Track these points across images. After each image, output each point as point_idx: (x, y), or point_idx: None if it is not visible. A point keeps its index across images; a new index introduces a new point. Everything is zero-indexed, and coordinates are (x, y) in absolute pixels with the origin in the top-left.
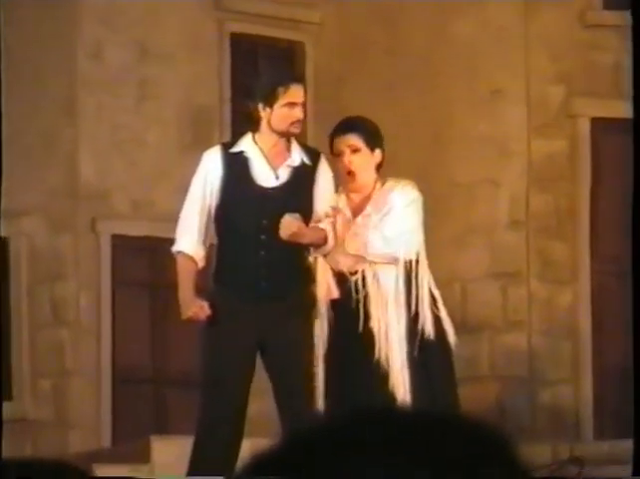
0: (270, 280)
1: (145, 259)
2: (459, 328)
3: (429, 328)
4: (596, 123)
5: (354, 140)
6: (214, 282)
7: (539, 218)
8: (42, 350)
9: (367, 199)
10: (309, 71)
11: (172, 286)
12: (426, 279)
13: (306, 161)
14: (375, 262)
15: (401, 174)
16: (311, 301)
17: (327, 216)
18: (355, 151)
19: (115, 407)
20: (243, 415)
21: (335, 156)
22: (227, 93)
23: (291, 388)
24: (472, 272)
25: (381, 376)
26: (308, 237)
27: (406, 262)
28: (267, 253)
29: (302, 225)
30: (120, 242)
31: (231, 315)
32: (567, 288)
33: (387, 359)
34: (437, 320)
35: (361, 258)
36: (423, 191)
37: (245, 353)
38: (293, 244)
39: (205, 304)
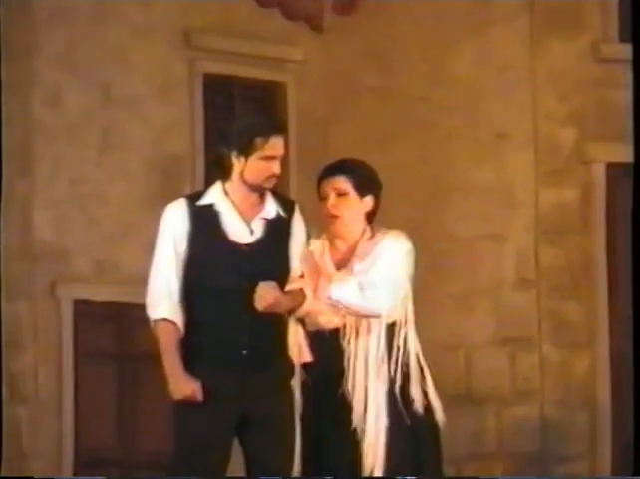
0: (253, 349)
1: (110, 328)
2: (463, 400)
3: (413, 400)
4: (612, 168)
5: (341, 182)
6: (188, 351)
7: (551, 275)
8: None
9: (352, 249)
10: (292, 115)
11: (141, 357)
12: (413, 344)
13: (282, 212)
14: (350, 315)
15: (394, 228)
16: (292, 370)
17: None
18: (341, 194)
19: None
20: None
21: (321, 199)
22: (200, 140)
23: (270, 467)
24: (477, 338)
25: (355, 446)
26: (286, 305)
27: (390, 322)
28: (250, 318)
29: (279, 294)
30: (82, 309)
31: (211, 389)
32: (584, 354)
33: (362, 428)
34: (424, 395)
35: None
36: (420, 247)
37: (225, 432)
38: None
39: (199, 384)
